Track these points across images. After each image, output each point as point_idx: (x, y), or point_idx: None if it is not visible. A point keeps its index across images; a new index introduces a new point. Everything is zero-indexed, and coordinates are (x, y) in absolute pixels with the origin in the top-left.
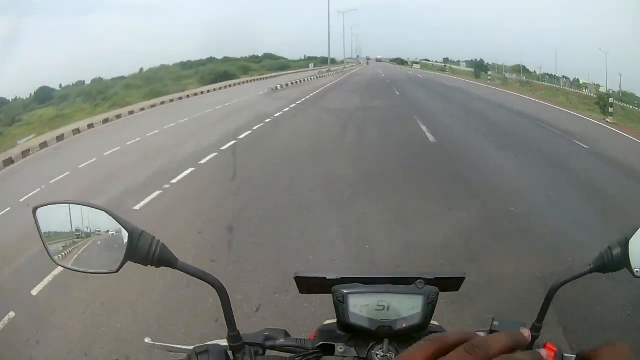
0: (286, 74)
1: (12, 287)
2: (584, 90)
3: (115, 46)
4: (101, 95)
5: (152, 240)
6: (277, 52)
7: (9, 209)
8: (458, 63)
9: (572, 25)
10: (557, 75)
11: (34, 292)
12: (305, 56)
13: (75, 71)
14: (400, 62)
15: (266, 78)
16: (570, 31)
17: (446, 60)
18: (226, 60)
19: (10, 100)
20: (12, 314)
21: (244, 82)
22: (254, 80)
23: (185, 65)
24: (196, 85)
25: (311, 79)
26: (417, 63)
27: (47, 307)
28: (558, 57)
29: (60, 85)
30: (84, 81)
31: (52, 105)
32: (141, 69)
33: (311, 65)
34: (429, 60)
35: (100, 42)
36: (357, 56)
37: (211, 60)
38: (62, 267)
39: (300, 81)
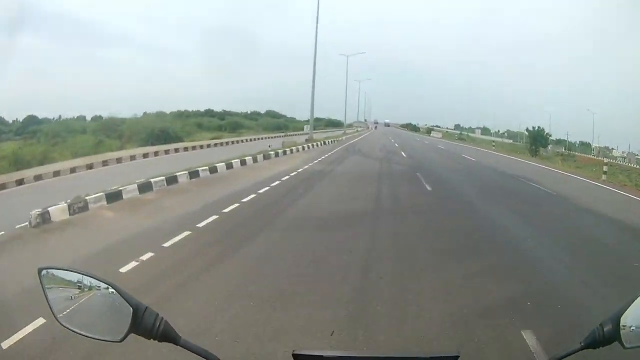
0: (275, 136)
1: None
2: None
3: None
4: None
5: (157, 316)
6: (286, 109)
7: None
8: (472, 130)
9: (563, 90)
10: (587, 141)
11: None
12: (327, 117)
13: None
14: (413, 128)
15: (234, 142)
16: (562, 94)
17: (457, 126)
18: (226, 113)
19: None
20: None
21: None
22: (217, 144)
23: (182, 115)
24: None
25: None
26: (435, 130)
27: None
28: (545, 118)
29: (60, 116)
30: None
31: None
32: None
33: (306, 127)
34: (439, 127)
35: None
36: (365, 120)
37: (208, 112)
38: (67, 328)
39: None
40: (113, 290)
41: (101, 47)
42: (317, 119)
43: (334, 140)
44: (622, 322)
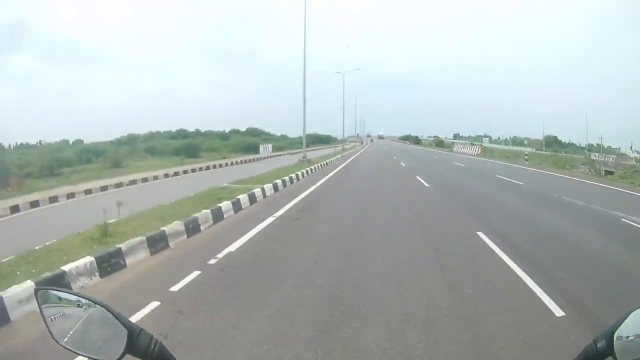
0: (243, 160)
1: None
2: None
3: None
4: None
5: (151, 338)
6: (273, 127)
7: None
8: (479, 139)
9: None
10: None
11: None
12: (312, 133)
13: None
14: (415, 140)
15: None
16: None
17: (457, 136)
18: (198, 133)
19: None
20: None
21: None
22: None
23: (134, 139)
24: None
25: None
26: (460, 142)
27: None
28: (541, 123)
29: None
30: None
31: None
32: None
33: (264, 147)
34: (438, 137)
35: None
36: (358, 134)
37: (180, 132)
38: (65, 347)
39: None
40: (105, 311)
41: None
42: (311, 135)
43: (329, 163)
44: (616, 337)
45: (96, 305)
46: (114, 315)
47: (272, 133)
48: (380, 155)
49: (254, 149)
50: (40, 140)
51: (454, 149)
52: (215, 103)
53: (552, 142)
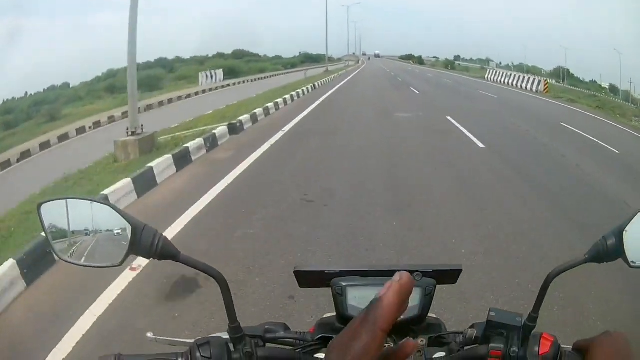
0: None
1: None
2: None
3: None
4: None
5: (155, 233)
6: (268, 48)
7: None
8: (487, 62)
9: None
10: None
11: None
12: (300, 53)
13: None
14: (420, 61)
15: None
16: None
17: (457, 57)
18: (178, 60)
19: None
20: None
21: None
22: None
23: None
24: None
25: None
26: (498, 68)
27: None
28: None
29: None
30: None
31: None
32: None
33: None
34: (437, 58)
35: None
36: (354, 53)
37: (160, 61)
38: (66, 261)
39: None
40: (111, 209)
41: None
42: (307, 55)
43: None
44: (624, 237)
45: (99, 204)
46: (118, 212)
47: (263, 55)
48: (380, 79)
49: (234, 74)
50: (26, 92)
51: (488, 75)
52: (207, 27)
53: (564, 76)
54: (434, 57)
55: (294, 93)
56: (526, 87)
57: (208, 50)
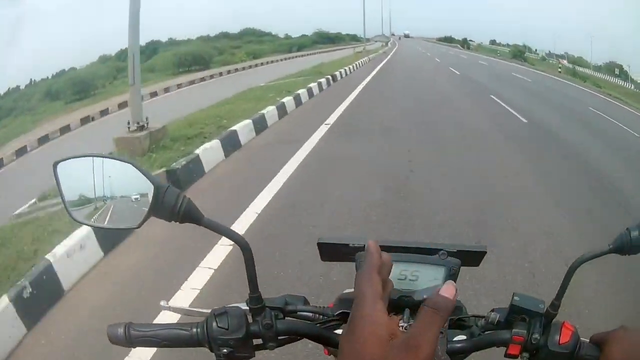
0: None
1: None
2: None
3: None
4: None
5: (179, 195)
6: (282, 26)
7: None
8: (526, 48)
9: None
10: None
11: None
12: (315, 31)
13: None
14: (464, 43)
15: None
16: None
17: (493, 42)
18: (172, 42)
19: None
20: None
21: None
22: None
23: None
24: None
25: None
26: None
27: None
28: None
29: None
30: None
31: None
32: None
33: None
34: (473, 41)
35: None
36: (383, 33)
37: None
38: (81, 223)
39: None
40: (134, 168)
41: None
42: (323, 33)
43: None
44: None
45: (121, 162)
46: (140, 171)
47: (273, 33)
48: (421, 74)
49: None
50: (31, 79)
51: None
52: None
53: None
54: (471, 40)
55: (356, 63)
56: None
57: (209, 30)
